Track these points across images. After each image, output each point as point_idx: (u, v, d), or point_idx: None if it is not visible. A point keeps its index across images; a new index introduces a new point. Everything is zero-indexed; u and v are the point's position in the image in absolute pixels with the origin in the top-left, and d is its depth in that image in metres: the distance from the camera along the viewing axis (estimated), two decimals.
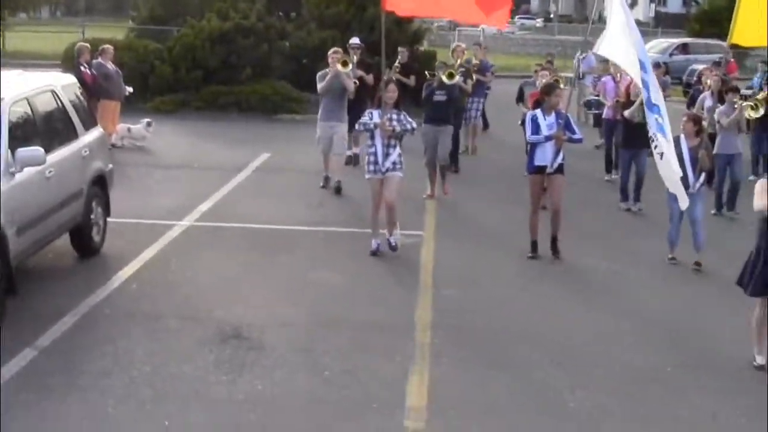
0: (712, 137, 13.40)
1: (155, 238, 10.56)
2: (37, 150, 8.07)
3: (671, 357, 7.59)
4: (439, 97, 12.55)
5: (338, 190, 12.96)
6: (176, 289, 8.90)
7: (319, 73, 13.06)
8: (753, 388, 6.97)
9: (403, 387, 6.79)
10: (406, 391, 6.73)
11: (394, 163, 9.87)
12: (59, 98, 9.41)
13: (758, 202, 7.01)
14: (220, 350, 7.38)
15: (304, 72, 20.68)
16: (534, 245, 10.07)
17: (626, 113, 12.60)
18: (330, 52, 13.11)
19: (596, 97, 16.43)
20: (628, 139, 12.77)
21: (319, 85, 12.89)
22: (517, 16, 79.50)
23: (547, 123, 9.81)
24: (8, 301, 7.68)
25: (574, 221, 11.18)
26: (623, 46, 9.09)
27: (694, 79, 19.96)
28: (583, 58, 19.75)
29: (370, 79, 14.56)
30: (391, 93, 9.96)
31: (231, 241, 10.68)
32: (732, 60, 21.34)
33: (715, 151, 12.30)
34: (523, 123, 12.27)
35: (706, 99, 13.93)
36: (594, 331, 8.18)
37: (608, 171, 14.93)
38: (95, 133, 10.17)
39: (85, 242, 9.66)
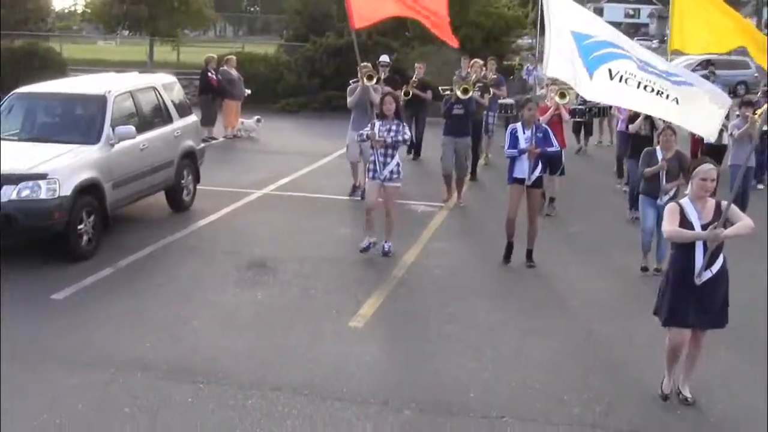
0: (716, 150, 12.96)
1: (235, 200, 12.46)
2: (130, 128, 10.05)
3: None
4: (458, 110, 12.37)
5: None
6: (233, 234, 10.72)
7: (349, 88, 13.00)
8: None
9: (362, 303, 8.29)
10: (363, 305, 8.24)
11: (391, 172, 9.61)
12: (159, 93, 11.42)
13: (666, 227, 5.97)
14: (242, 273, 9.12)
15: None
16: (509, 247, 9.73)
17: (631, 127, 12.19)
18: (360, 66, 12.21)
19: (581, 106, 16.02)
20: (635, 150, 11.71)
21: (349, 99, 12.77)
22: (636, 38, 78.85)
23: (525, 137, 9.41)
24: (103, 236, 9.69)
25: (573, 226, 11.60)
26: (565, 55, 8.10)
27: None
28: (533, 69, 19.05)
29: (395, 94, 13.38)
30: (388, 105, 9.71)
31: (291, 205, 12.41)
32: None
33: (729, 163, 12.20)
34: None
35: None
36: (526, 305, 8.59)
37: (620, 176, 14.38)
38: (189, 119, 12.13)
39: (176, 200, 11.65)
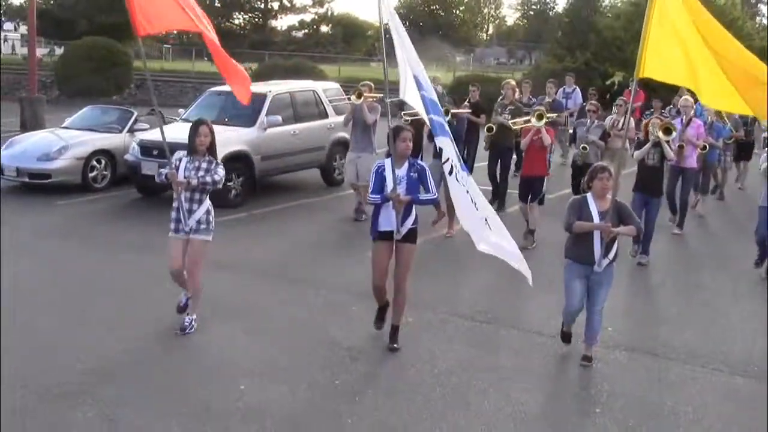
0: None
1: None
2: (277, 117, 13.54)
3: None
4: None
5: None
6: (353, 203, 13.77)
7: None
8: None
9: None
10: None
11: (198, 222, 7.46)
12: (317, 94, 14.88)
13: None
14: (336, 225, 12.16)
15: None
16: (380, 312, 7.62)
17: (636, 154, 10.29)
18: (360, 84, 12.38)
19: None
20: (644, 183, 10.15)
21: (343, 118, 13.11)
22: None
23: (394, 177, 7.01)
24: (254, 194, 13.29)
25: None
26: (408, 82, 6.70)
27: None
28: (571, 91, 18.27)
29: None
30: (202, 138, 7.36)
31: None
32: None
33: (761, 203, 10.02)
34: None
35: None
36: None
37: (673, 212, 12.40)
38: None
39: (327, 176, 15.06)
